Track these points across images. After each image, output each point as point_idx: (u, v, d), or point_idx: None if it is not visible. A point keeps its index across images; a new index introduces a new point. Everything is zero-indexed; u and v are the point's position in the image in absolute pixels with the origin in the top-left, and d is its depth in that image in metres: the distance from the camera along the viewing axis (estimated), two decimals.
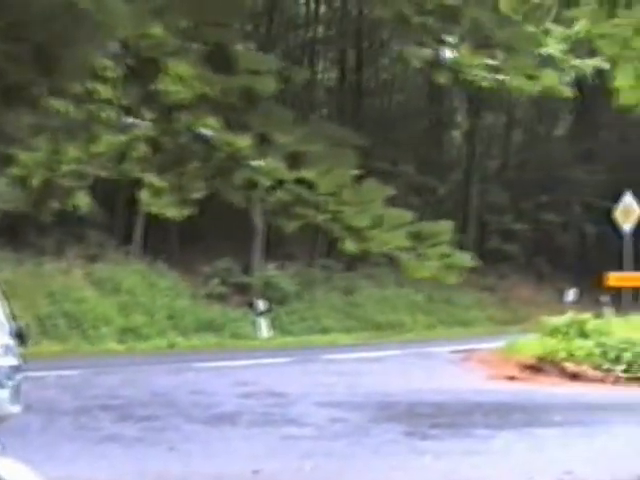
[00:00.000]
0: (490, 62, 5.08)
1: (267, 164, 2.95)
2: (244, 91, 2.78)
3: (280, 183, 3.01)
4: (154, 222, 30.28)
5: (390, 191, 3.12)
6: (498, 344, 20.56)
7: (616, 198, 24.92)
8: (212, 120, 3.00)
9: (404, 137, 43.16)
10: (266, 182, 2.95)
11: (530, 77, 5.25)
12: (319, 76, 41.88)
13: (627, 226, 23.23)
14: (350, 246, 3.32)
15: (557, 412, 11.04)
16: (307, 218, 3.20)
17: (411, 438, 9.17)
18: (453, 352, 21.68)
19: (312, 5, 39.17)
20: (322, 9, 39.19)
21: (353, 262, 32.00)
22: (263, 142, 2.90)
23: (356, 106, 39.97)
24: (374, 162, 39.28)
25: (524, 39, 4.70)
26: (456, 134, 48.09)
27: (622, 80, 5.10)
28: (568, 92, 6.82)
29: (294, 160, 2.94)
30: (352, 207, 3.11)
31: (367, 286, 33.04)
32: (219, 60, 2.72)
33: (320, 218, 3.08)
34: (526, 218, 43.54)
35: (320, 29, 40.33)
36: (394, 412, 11.21)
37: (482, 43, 4.68)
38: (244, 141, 2.79)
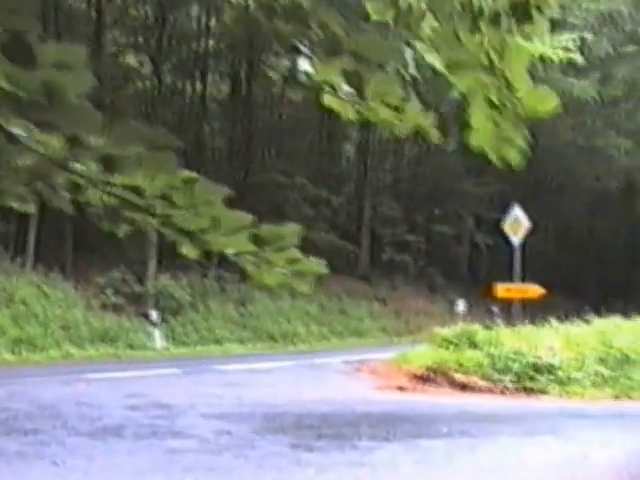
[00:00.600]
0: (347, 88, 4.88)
1: (87, 166, 2.67)
2: (47, 87, 2.48)
3: (105, 185, 2.72)
4: (48, 232, 29.72)
5: (225, 192, 2.86)
6: (390, 355, 20.55)
7: (506, 210, 25.23)
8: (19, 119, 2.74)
9: (297, 150, 43.23)
10: (87, 185, 2.68)
11: (394, 107, 4.97)
12: (210, 89, 41.72)
13: (516, 238, 23.51)
14: (189, 251, 3.03)
15: (445, 423, 10.95)
16: (137, 222, 2.92)
17: (296, 450, 8.94)
18: (345, 363, 21.62)
19: (203, 19, 38.93)
20: (213, 23, 38.93)
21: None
22: (74, 143, 2.60)
23: (247, 119, 39.80)
24: (268, 173, 39.33)
25: (382, 50, 4.44)
26: (349, 147, 48.32)
27: (477, 117, 4.84)
28: (436, 135, 6.44)
29: (109, 163, 2.65)
30: (185, 210, 2.83)
31: (261, 297, 32.84)
32: (16, 51, 2.42)
33: (151, 222, 2.80)
34: (419, 230, 44.04)
35: (211, 42, 40.11)
36: (281, 424, 10.97)
37: (335, 52, 4.40)
38: (58, 142, 2.51)
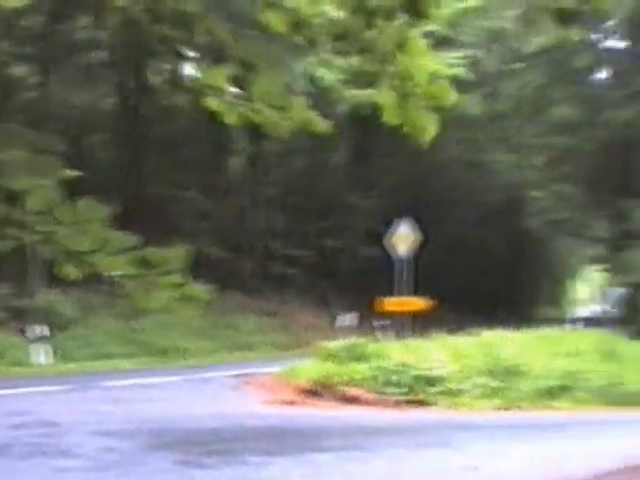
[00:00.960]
0: (234, 89, 4.71)
1: None
2: None
3: None
4: None
5: (107, 211, 2.68)
6: (279, 369, 20.43)
7: (394, 224, 25.43)
8: None
9: (187, 162, 42.89)
10: None
11: (279, 108, 4.90)
12: (99, 100, 41.12)
13: (404, 251, 23.71)
14: (71, 271, 2.83)
15: (334, 437, 10.87)
16: (20, 240, 2.74)
17: (184, 467, 8.72)
18: (234, 377, 21.42)
19: (92, 30, 38.30)
20: (102, 33, 38.34)
21: None
22: None
23: (137, 130, 39.32)
24: (158, 186, 38.89)
25: (266, 58, 4.34)
26: (238, 159, 48.16)
27: (384, 98, 4.94)
28: (322, 126, 6.52)
29: None
30: (66, 227, 2.65)
31: (151, 311, 32.34)
32: None
33: (30, 239, 2.60)
34: (309, 243, 44.12)
35: (100, 53, 39.53)
36: (169, 439, 10.73)
37: (221, 58, 4.28)
38: None
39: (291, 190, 48.09)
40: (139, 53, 37.45)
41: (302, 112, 4.97)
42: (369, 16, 4.11)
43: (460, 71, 35.94)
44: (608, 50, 45.66)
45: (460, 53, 38.55)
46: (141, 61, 39.02)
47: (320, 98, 34.86)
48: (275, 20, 4.22)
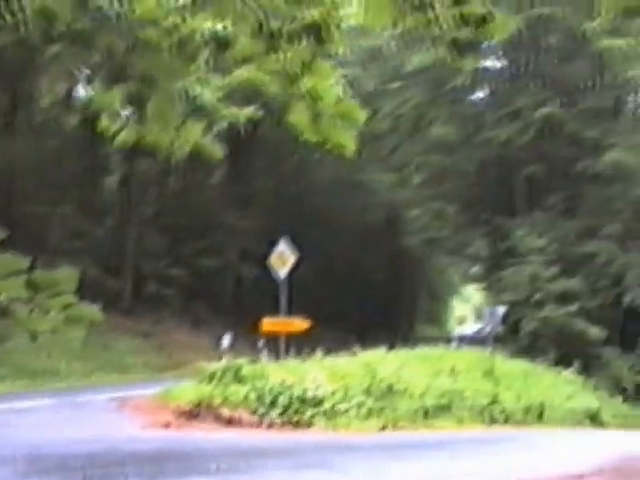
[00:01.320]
0: (125, 111, 4.86)
1: None
2: None
3: None
4: None
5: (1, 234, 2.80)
6: (155, 390, 20.30)
7: (272, 243, 25.53)
8: None
9: (61, 181, 42.24)
10: None
11: (173, 131, 5.10)
12: None
13: (282, 272, 23.83)
14: None
15: (213, 459, 10.90)
16: None
17: None
18: (109, 400, 21.18)
19: None
20: None
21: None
22: None
23: (10, 148, 38.55)
24: (32, 205, 38.18)
25: (164, 71, 4.50)
26: (112, 179, 47.61)
27: (299, 118, 5.16)
28: (218, 152, 6.73)
29: None
30: None
31: (20, 332, 31.59)
32: None
33: None
34: (184, 263, 43.88)
35: None
36: (44, 466, 10.60)
37: (118, 76, 4.42)
38: None
39: (167, 210, 47.79)
40: (26, 72, 36.72)
41: (196, 136, 5.08)
42: (272, 39, 4.29)
43: (340, 90, 36.43)
44: (487, 70, 46.90)
45: (339, 71, 38.95)
46: (28, 80, 38.26)
47: (197, 116, 34.84)
48: (157, 36, 4.32)
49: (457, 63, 4.30)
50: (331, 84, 5.00)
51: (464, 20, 3.95)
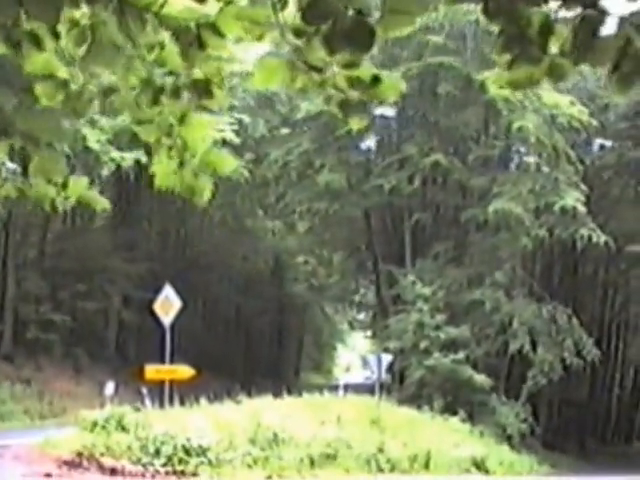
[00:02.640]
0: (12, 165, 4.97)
1: None
2: None
3: None
4: None
5: None
6: (35, 439, 19.93)
7: (157, 289, 25.38)
8: None
9: None
10: None
11: (57, 184, 5.25)
12: None
13: (167, 318, 23.69)
14: None
15: None
16: None
17: None
18: None
19: None
20: None
21: None
22: None
23: None
24: None
25: (50, 131, 4.63)
26: None
27: (159, 166, 5.36)
28: (103, 203, 6.89)
29: None
30: None
31: None
32: None
33: None
34: (65, 308, 43.25)
35: None
36: None
37: (3, 131, 4.55)
38: None
39: (48, 253, 47.04)
40: None
41: (82, 190, 5.12)
42: (156, 93, 4.42)
43: (227, 135, 36.59)
44: (376, 118, 47.61)
45: (227, 118, 39.12)
46: None
47: (83, 158, 34.62)
48: (47, 93, 4.38)
49: (348, 122, 4.52)
50: (203, 135, 5.22)
51: (355, 82, 4.16)
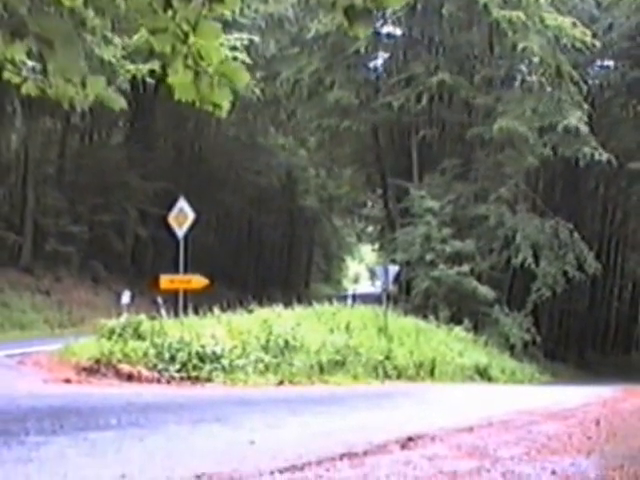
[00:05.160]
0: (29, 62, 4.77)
1: None
2: None
3: None
4: None
5: None
6: (54, 347, 20.00)
7: (171, 203, 25.22)
8: None
9: None
10: None
11: (80, 83, 5.00)
12: None
13: (181, 231, 23.57)
14: None
15: (113, 414, 10.79)
16: None
17: None
18: (8, 356, 20.79)
19: None
20: None
21: None
22: None
23: None
24: None
25: (62, 34, 4.40)
26: (12, 137, 46.56)
27: (176, 78, 5.11)
28: (121, 103, 6.65)
29: None
30: None
31: None
32: None
33: None
34: (83, 221, 43.33)
35: None
36: None
37: (18, 32, 4.33)
38: None
39: (67, 169, 46.95)
40: None
41: (99, 89, 4.96)
42: None
43: (239, 54, 36.12)
44: (385, 36, 47.02)
45: (238, 36, 38.69)
46: None
47: (100, 72, 34.20)
48: None
49: (353, 30, 4.30)
50: (218, 45, 4.97)
51: None
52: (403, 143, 47.82)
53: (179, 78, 5.14)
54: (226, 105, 5.16)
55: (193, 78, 5.07)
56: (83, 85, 4.73)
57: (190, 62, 5.03)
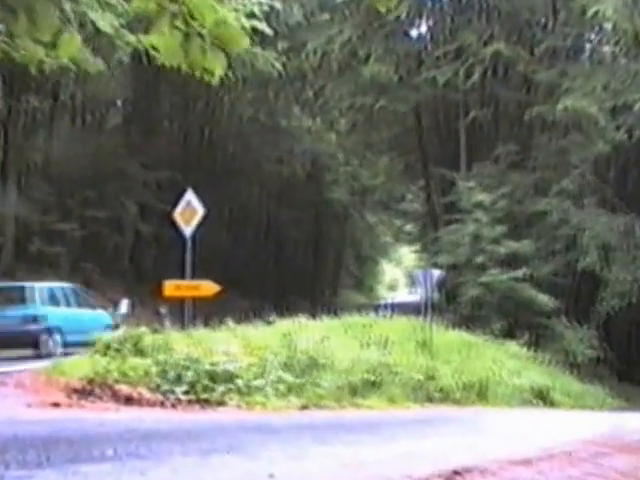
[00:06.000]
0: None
1: None
2: None
3: None
4: None
5: None
6: (41, 365, 20.08)
7: (176, 196, 25.30)
8: None
9: None
10: None
11: (46, 44, 5.02)
12: None
13: (188, 228, 23.61)
14: None
15: (109, 443, 10.81)
16: None
17: None
18: None
19: None
20: None
21: None
22: None
23: None
24: None
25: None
26: None
27: (161, 39, 5.09)
28: (97, 65, 6.68)
29: None
30: None
31: None
32: None
33: None
34: (74, 217, 43.37)
35: None
36: None
37: None
38: None
39: (55, 156, 46.97)
40: None
41: (73, 48, 4.92)
42: None
43: (256, 22, 36.13)
44: (430, 0, 46.77)
45: (256, 0, 38.68)
46: None
47: (96, 46, 34.35)
48: None
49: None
50: (213, 3, 4.94)
51: None
52: (449, 126, 47.73)
53: (165, 40, 5.12)
54: (219, 71, 5.15)
55: (182, 40, 5.06)
56: (54, 45, 4.75)
57: (179, 23, 5.02)
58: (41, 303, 27.25)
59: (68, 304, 28.49)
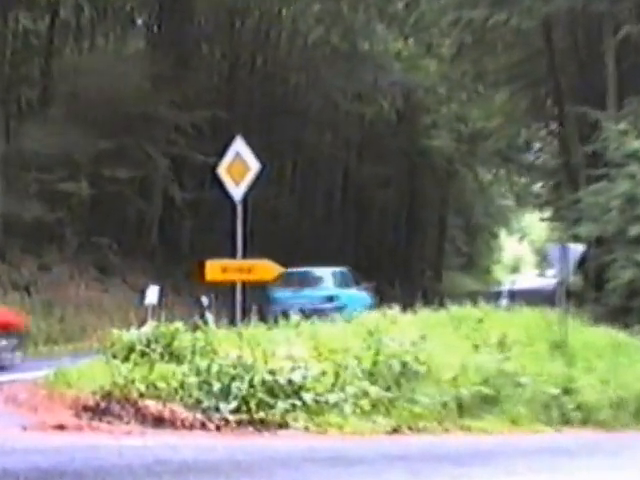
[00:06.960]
0: None
1: None
2: None
3: None
4: None
5: None
6: (40, 373, 20.27)
7: (221, 146, 25.30)
8: None
9: None
10: None
11: None
12: None
13: (238, 189, 23.62)
14: None
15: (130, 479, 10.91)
16: None
17: None
18: None
19: None
20: None
21: None
22: None
23: None
24: None
25: None
26: None
27: None
28: None
29: None
30: None
31: None
32: None
33: None
34: (82, 175, 43.40)
35: None
36: None
37: None
38: None
39: (59, 93, 47.20)
40: None
41: None
42: None
43: None
44: None
45: None
46: None
47: None
48: None
49: None
50: None
51: None
52: (592, 48, 47.34)
53: None
54: None
55: None
56: None
57: None
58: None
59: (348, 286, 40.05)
